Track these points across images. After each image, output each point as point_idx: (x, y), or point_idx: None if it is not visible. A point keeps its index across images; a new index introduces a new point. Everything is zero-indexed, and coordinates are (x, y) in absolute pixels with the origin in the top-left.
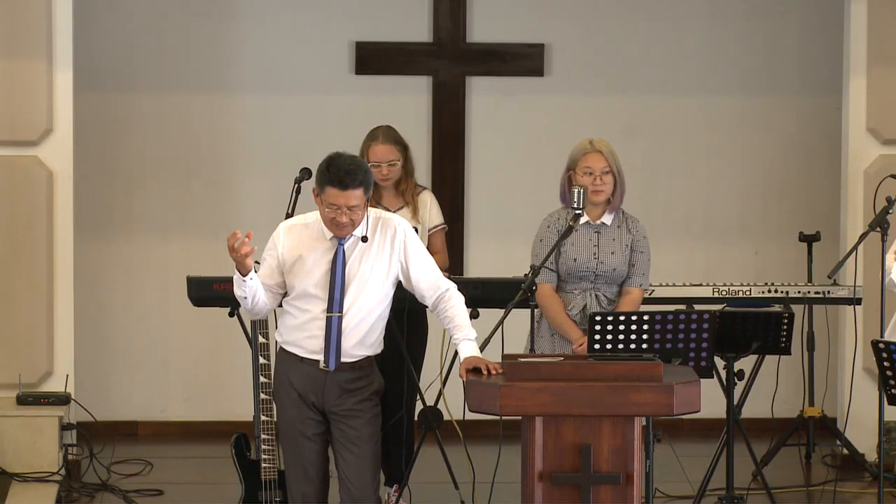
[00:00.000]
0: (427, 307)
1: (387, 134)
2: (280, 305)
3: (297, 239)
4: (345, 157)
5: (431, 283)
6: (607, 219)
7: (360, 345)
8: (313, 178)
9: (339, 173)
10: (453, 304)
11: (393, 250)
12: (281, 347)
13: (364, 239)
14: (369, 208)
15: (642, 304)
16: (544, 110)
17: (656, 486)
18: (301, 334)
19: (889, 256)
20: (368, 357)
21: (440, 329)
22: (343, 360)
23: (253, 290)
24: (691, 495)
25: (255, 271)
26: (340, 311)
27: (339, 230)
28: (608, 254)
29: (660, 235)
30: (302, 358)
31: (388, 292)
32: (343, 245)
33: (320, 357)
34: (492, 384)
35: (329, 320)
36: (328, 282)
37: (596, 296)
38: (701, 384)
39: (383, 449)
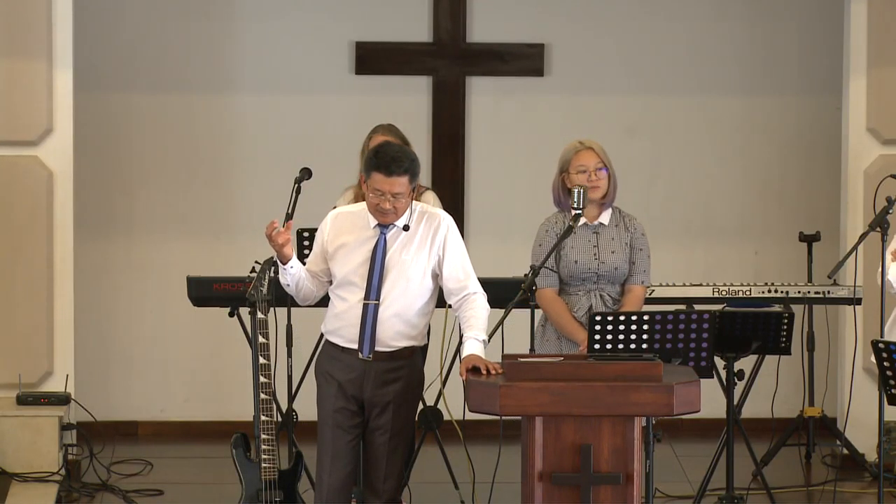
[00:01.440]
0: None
1: (388, 128)
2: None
3: (343, 226)
4: (393, 145)
5: (461, 282)
6: (605, 218)
7: (400, 335)
8: (313, 177)
9: (386, 159)
10: (474, 305)
11: (434, 244)
12: (325, 339)
13: (406, 228)
14: (415, 202)
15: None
16: (544, 110)
17: (656, 486)
18: (341, 323)
19: (888, 257)
20: (410, 347)
21: (440, 329)
22: (379, 349)
23: (295, 278)
24: (691, 495)
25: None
26: (377, 298)
27: (383, 217)
28: (608, 253)
29: (660, 235)
30: (343, 348)
31: (429, 286)
32: (385, 234)
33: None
34: (492, 384)
35: (366, 307)
36: (368, 269)
37: (600, 296)
38: (701, 384)
39: None
